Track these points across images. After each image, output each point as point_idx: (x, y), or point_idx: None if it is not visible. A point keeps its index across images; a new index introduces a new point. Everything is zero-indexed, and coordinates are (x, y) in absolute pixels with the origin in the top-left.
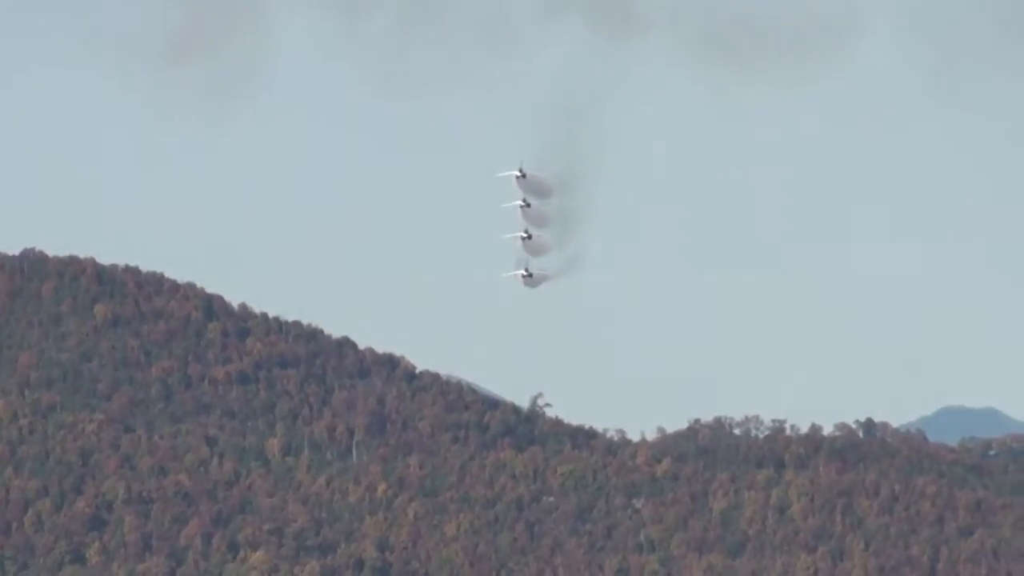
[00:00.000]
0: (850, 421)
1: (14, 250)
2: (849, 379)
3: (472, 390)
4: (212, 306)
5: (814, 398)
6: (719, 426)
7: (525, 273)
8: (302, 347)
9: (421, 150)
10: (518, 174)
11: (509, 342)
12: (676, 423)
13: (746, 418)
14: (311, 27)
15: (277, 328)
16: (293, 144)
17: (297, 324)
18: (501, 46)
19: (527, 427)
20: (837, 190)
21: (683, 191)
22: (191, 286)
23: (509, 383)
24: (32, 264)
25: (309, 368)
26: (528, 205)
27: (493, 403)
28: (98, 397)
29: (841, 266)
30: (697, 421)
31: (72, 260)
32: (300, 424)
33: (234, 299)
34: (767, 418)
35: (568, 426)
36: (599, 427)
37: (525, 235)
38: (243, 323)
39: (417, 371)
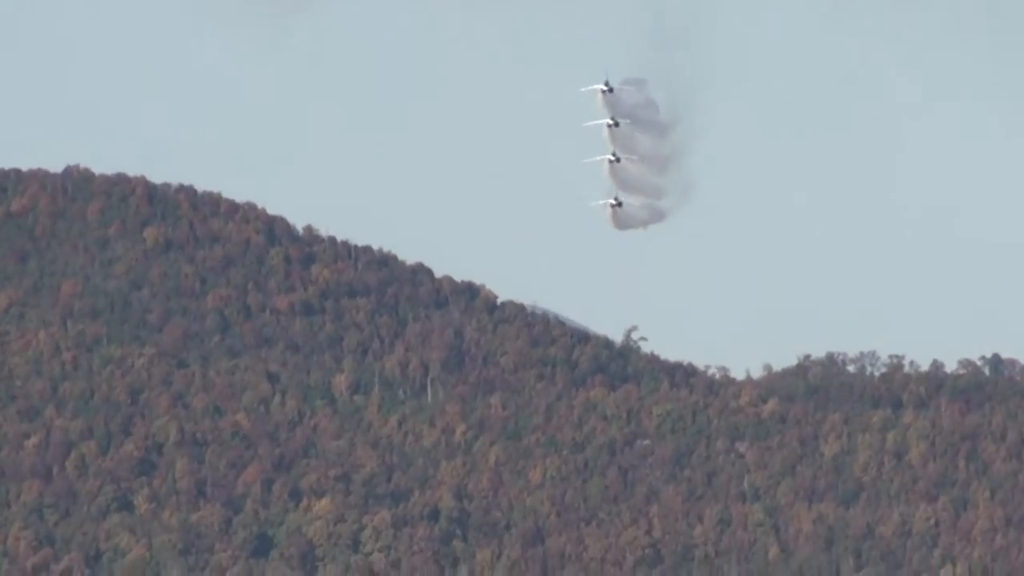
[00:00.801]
0: (975, 357)
1: (56, 167)
2: (974, 311)
3: (559, 322)
4: (274, 229)
5: (935, 331)
6: (831, 362)
7: (614, 202)
8: (373, 274)
9: (503, 66)
10: (604, 88)
11: (600, 269)
12: (784, 359)
13: (861, 354)
14: None
15: (345, 253)
16: (363, 55)
17: (367, 249)
18: None
19: (620, 363)
20: (962, 121)
21: (794, 116)
22: (251, 207)
23: (600, 315)
24: (76, 182)
25: (380, 297)
26: (616, 124)
27: (582, 337)
28: (148, 329)
29: (967, 188)
30: (807, 357)
31: (120, 178)
32: (370, 359)
33: (298, 221)
34: (884, 354)
35: (665, 362)
36: (699, 364)
37: (613, 158)
38: (308, 248)
39: (499, 301)
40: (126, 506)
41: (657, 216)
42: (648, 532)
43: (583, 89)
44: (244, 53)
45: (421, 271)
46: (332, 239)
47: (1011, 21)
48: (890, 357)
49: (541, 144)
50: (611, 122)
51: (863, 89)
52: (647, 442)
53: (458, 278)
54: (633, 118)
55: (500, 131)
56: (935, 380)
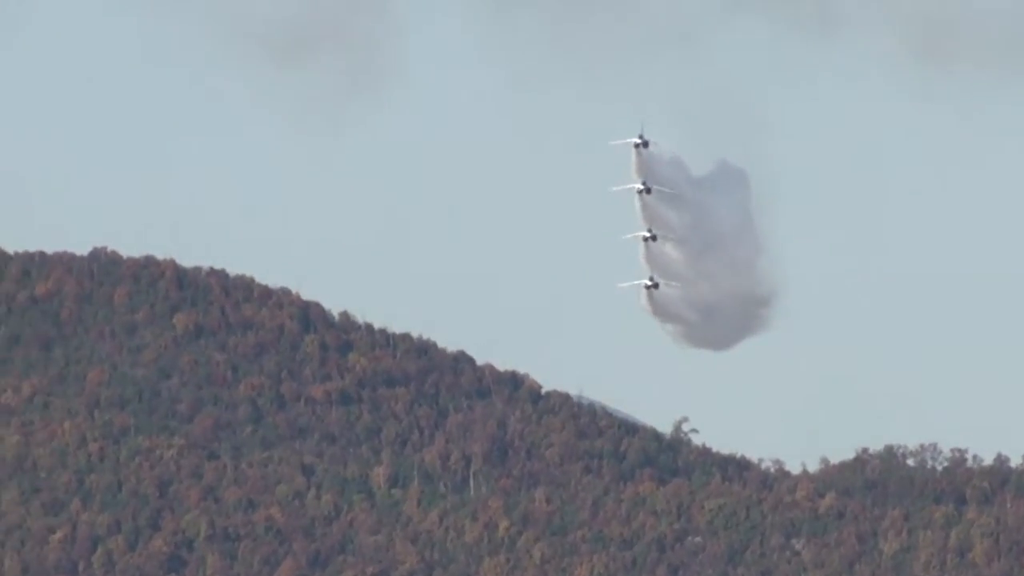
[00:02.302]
0: None
1: (83, 249)
2: None
3: (607, 413)
4: (309, 315)
5: (999, 424)
6: (890, 456)
7: (649, 283)
8: (412, 363)
9: (549, 151)
10: (638, 141)
11: (648, 358)
12: (842, 453)
13: (921, 447)
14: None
15: (383, 341)
16: (400, 141)
17: (406, 337)
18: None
19: (670, 456)
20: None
21: (851, 195)
22: (285, 292)
23: (649, 405)
24: (103, 266)
25: (420, 387)
26: (648, 191)
27: (631, 428)
28: (178, 419)
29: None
30: (865, 451)
31: (149, 261)
32: (409, 451)
33: (334, 307)
34: (945, 447)
35: (717, 455)
36: (752, 457)
37: (648, 235)
38: (344, 335)
39: (543, 391)
40: None
41: (705, 317)
42: None
43: (613, 143)
44: (278, 135)
45: (462, 359)
46: (369, 326)
47: None
48: (952, 451)
49: (588, 229)
50: (642, 187)
51: (919, 173)
52: (698, 539)
53: (501, 367)
54: (667, 180)
55: (544, 215)
56: (999, 475)
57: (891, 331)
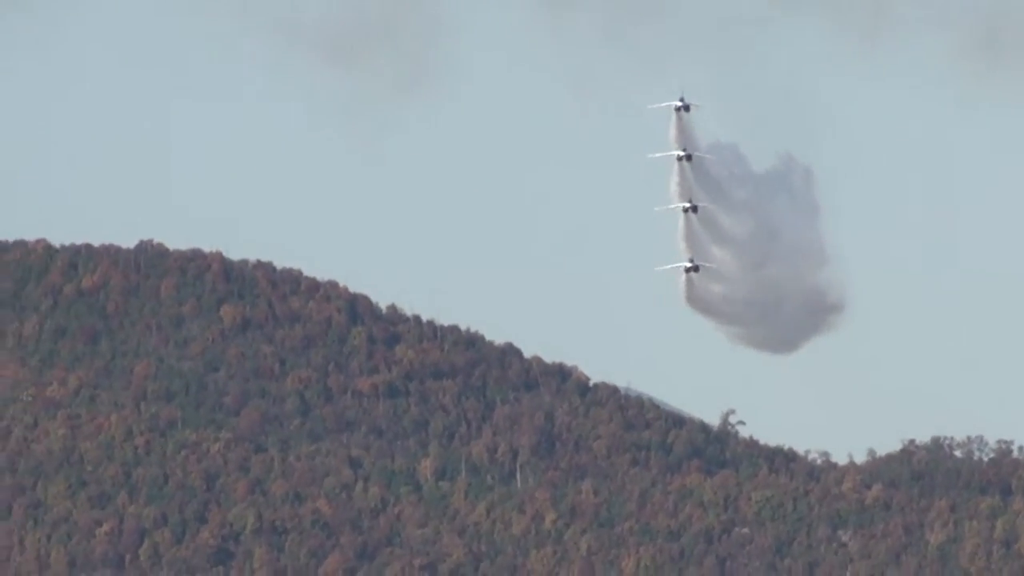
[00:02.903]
0: None
1: (129, 242)
2: None
3: (654, 405)
4: (356, 308)
5: None
6: (937, 447)
7: (689, 265)
8: (460, 355)
9: (599, 145)
10: (679, 104)
11: (695, 350)
12: (888, 444)
13: (968, 438)
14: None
15: (431, 333)
16: (447, 135)
17: (454, 329)
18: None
19: (717, 448)
20: None
21: (901, 197)
22: (332, 285)
23: (696, 397)
24: (149, 259)
25: (467, 379)
26: (688, 157)
27: (678, 420)
28: (225, 412)
29: None
30: (912, 442)
31: (195, 254)
32: (457, 444)
33: (382, 300)
34: (992, 438)
35: (764, 447)
36: (799, 448)
37: (688, 206)
38: (392, 327)
39: (591, 383)
40: None
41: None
42: None
43: (652, 106)
44: (324, 129)
45: (510, 352)
46: (417, 318)
47: None
48: (998, 442)
49: (637, 220)
50: (682, 153)
51: (965, 175)
52: (745, 530)
53: (548, 359)
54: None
55: (593, 207)
56: None
57: (937, 324)
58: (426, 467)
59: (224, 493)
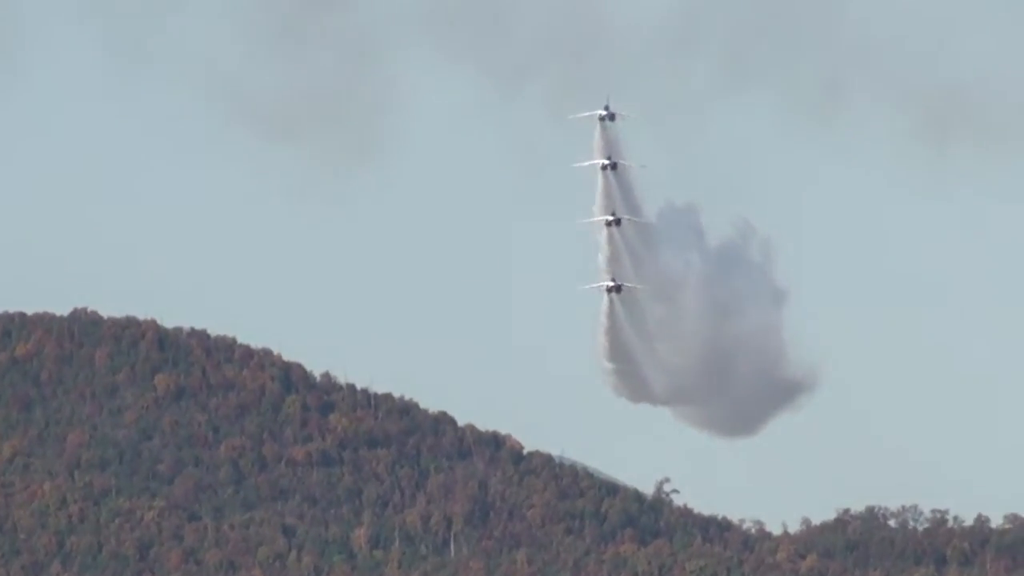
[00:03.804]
0: (1022, 512)
1: (63, 310)
2: (1020, 464)
3: (588, 474)
4: (290, 376)
5: (980, 485)
6: (871, 517)
7: (612, 285)
8: (393, 423)
9: (528, 214)
10: (602, 113)
11: (629, 418)
12: (823, 513)
13: (902, 508)
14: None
15: (365, 402)
16: (382, 205)
17: (388, 397)
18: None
19: (651, 517)
20: (1000, 268)
21: (833, 265)
22: (266, 352)
23: (630, 466)
24: (83, 326)
25: (401, 448)
26: (614, 167)
27: (612, 488)
28: (159, 480)
29: (1013, 339)
30: (847, 511)
31: (130, 322)
32: (390, 512)
33: (316, 368)
34: (926, 508)
35: (698, 516)
36: (734, 517)
37: (611, 218)
38: (326, 396)
39: (525, 451)
40: None
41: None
42: None
43: (575, 116)
44: (259, 196)
45: (444, 420)
46: (351, 387)
47: None
48: (933, 511)
49: (568, 289)
50: (607, 162)
51: (900, 249)
52: None
53: (482, 427)
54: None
55: (528, 278)
56: (980, 535)
57: (871, 394)
58: (360, 536)
59: (158, 562)
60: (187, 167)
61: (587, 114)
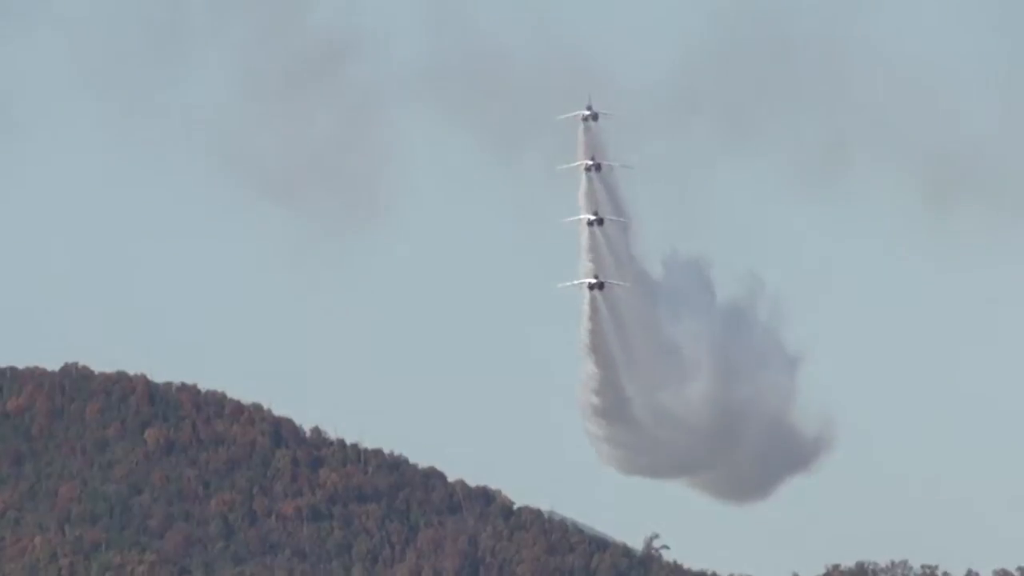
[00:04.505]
0: (1012, 568)
1: (54, 365)
2: (1010, 518)
3: (578, 529)
4: (280, 431)
5: (970, 540)
6: (861, 572)
7: (593, 281)
8: (383, 479)
9: (522, 269)
10: (586, 112)
11: (619, 474)
12: (812, 568)
13: (892, 563)
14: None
15: (355, 457)
16: (375, 263)
17: (378, 453)
18: None
19: (640, 572)
20: (977, 323)
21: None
22: (257, 408)
23: (620, 521)
24: (74, 381)
25: (391, 503)
26: (598, 167)
27: (602, 544)
28: (149, 535)
29: (1007, 389)
30: (836, 567)
31: (120, 377)
32: (380, 567)
33: (306, 423)
34: (916, 563)
35: (688, 571)
36: (723, 572)
37: (594, 218)
38: (316, 451)
39: (515, 507)
40: None
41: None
42: None
43: (560, 117)
44: (250, 253)
45: (433, 475)
46: (341, 442)
47: None
48: (923, 567)
49: (558, 348)
50: (591, 163)
51: (894, 293)
52: None
53: (472, 483)
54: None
55: (518, 334)
56: None
57: (861, 449)
58: None
59: None
60: (181, 224)
61: (570, 115)
